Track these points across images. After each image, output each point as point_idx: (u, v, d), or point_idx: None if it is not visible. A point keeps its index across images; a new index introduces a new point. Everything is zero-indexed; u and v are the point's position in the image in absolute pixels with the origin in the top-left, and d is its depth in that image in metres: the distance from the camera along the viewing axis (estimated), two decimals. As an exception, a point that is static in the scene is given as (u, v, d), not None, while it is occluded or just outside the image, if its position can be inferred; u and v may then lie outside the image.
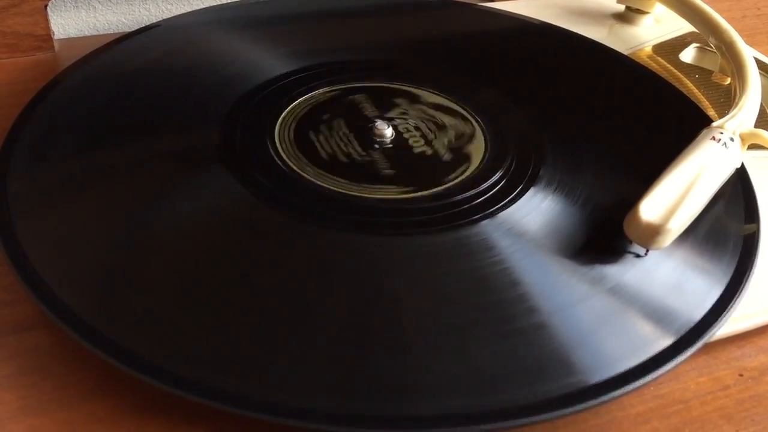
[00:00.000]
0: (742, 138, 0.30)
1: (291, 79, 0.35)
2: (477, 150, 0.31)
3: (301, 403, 0.21)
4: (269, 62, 0.36)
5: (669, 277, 0.26)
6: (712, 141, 0.29)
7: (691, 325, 0.24)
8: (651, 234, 0.25)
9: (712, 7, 0.40)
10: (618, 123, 0.34)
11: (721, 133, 0.29)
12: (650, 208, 0.26)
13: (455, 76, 0.37)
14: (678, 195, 0.26)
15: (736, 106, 0.31)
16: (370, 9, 0.42)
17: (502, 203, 0.28)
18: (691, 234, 0.27)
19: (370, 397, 0.22)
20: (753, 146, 0.30)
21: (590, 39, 0.41)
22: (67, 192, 0.28)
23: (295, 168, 0.29)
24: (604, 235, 0.27)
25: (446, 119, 0.33)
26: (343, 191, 0.28)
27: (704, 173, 0.27)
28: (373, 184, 0.28)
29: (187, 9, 0.46)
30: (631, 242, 0.26)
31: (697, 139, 0.29)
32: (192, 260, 0.26)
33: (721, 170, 0.28)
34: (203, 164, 0.29)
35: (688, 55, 0.42)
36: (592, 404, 0.22)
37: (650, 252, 0.26)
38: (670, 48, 0.43)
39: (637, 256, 0.26)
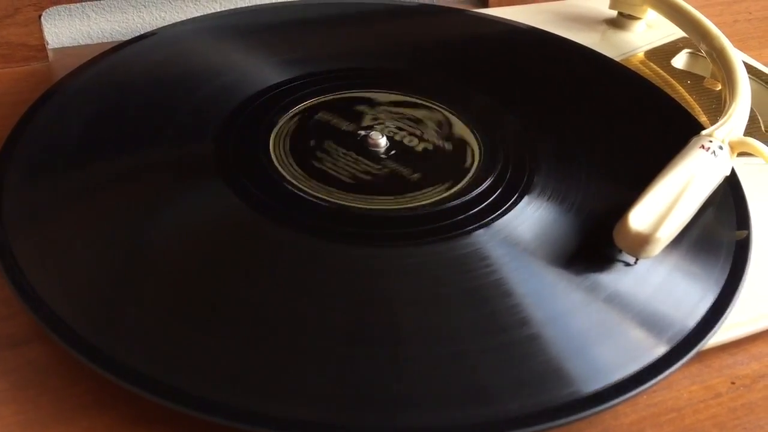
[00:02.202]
0: (732, 146, 0.30)
1: (286, 86, 0.35)
2: (464, 131, 0.32)
3: (298, 415, 0.21)
4: (263, 70, 0.36)
5: (661, 286, 0.26)
6: (701, 150, 0.29)
7: (684, 333, 0.25)
8: (640, 243, 0.25)
9: (703, 12, 0.40)
10: (610, 130, 0.35)
11: (711, 141, 0.29)
12: (639, 217, 0.26)
13: (448, 82, 0.37)
14: (667, 204, 0.26)
15: (725, 114, 0.32)
16: (363, 16, 0.43)
17: (496, 212, 0.28)
18: (683, 242, 0.28)
19: (363, 409, 0.22)
20: (744, 153, 0.30)
21: (582, 45, 0.41)
22: (63, 205, 0.28)
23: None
24: (597, 243, 0.27)
25: (415, 113, 0.33)
26: (385, 207, 0.28)
27: (693, 182, 0.27)
28: (409, 192, 0.29)
29: (181, 17, 0.47)
30: (621, 251, 0.26)
31: (686, 147, 0.29)
32: (187, 272, 0.26)
33: (710, 179, 0.29)
34: (199, 175, 0.29)
35: (680, 60, 0.43)
36: (586, 414, 0.22)
37: (640, 261, 0.26)
38: (662, 54, 0.43)
39: (627, 264, 0.26)
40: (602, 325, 0.25)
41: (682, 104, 0.36)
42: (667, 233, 0.26)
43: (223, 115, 0.32)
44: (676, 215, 0.26)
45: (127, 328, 0.24)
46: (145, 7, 0.47)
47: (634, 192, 0.27)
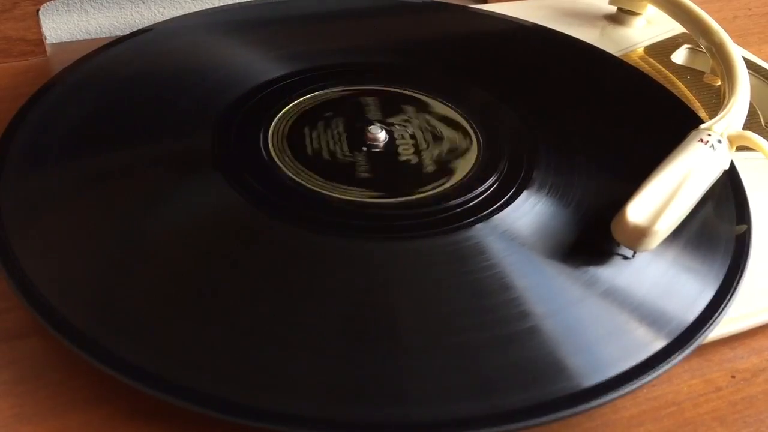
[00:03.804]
0: (730, 140, 0.30)
1: (284, 80, 0.35)
2: (464, 166, 0.31)
3: (297, 410, 0.21)
4: (262, 65, 0.36)
5: (661, 280, 0.26)
6: (700, 143, 0.29)
7: (684, 327, 0.25)
8: (638, 236, 0.25)
9: (703, 8, 0.40)
10: (610, 125, 0.34)
11: (709, 135, 0.29)
12: (637, 210, 0.26)
13: (448, 78, 0.37)
14: (665, 197, 0.26)
15: (724, 108, 0.32)
16: (363, 11, 0.42)
17: (496, 206, 0.28)
18: (683, 236, 0.27)
19: (363, 403, 0.22)
20: (744, 147, 0.30)
21: (582, 41, 0.41)
22: (60, 198, 0.28)
23: (287, 172, 0.29)
24: (596, 237, 0.27)
25: (446, 131, 0.33)
26: (313, 188, 0.28)
27: (691, 175, 0.27)
28: (345, 185, 0.29)
29: (179, 12, 0.46)
30: (619, 244, 0.26)
31: (685, 141, 0.29)
32: (184, 266, 0.26)
33: (708, 172, 0.28)
34: (196, 169, 0.29)
35: (679, 56, 0.43)
36: (586, 408, 0.22)
37: (639, 254, 0.26)
38: (662, 49, 0.43)
39: (625, 258, 0.26)
40: (602, 318, 0.25)
41: (682, 99, 0.36)
42: (664, 226, 0.26)
43: (221, 110, 0.32)
44: (674, 208, 0.26)
45: (125, 321, 0.24)
46: (143, 2, 0.46)
47: (633, 186, 0.27)
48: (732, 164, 0.31)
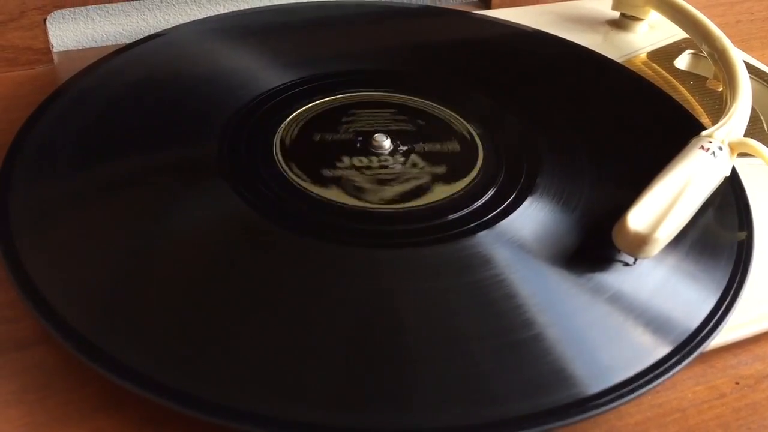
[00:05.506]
0: (731, 147, 0.30)
1: (290, 88, 0.35)
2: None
3: (304, 417, 0.22)
4: (269, 72, 0.36)
5: (665, 287, 0.26)
6: (701, 150, 0.29)
7: (688, 333, 0.25)
8: (639, 243, 0.26)
9: (705, 13, 0.40)
10: (613, 131, 0.35)
11: (710, 142, 0.30)
12: (638, 217, 0.26)
13: (451, 84, 0.37)
14: (666, 205, 0.27)
15: (726, 115, 0.32)
16: (366, 18, 0.43)
17: (500, 214, 0.28)
18: (686, 242, 0.28)
19: (368, 410, 0.22)
20: (745, 153, 0.31)
21: (585, 47, 0.41)
22: (69, 207, 0.28)
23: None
24: (599, 244, 0.27)
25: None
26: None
27: (692, 183, 0.27)
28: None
29: (185, 20, 0.47)
30: (620, 251, 0.26)
31: (686, 148, 0.29)
32: (193, 275, 0.26)
33: (709, 179, 0.29)
34: (203, 177, 0.29)
35: (682, 61, 0.43)
36: (591, 415, 0.22)
37: (641, 261, 0.26)
38: (665, 54, 0.43)
39: (626, 264, 0.27)
40: (606, 325, 0.25)
41: (685, 105, 0.36)
42: (665, 233, 0.26)
43: (228, 117, 0.33)
44: (674, 216, 0.26)
45: (133, 330, 0.24)
46: (149, 10, 0.47)
47: (636, 193, 0.27)
48: (734, 170, 0.31)
